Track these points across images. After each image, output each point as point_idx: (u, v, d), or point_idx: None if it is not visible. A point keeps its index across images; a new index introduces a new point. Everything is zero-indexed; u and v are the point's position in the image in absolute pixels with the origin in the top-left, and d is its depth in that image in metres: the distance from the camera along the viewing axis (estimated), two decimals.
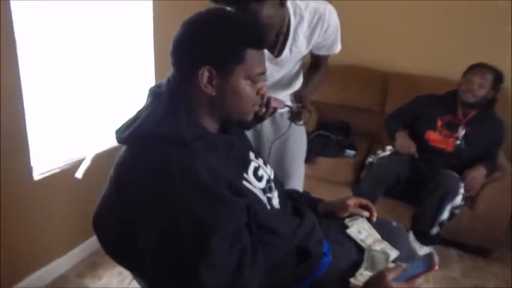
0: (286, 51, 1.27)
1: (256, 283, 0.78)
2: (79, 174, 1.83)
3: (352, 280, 0.95)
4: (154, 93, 0.87)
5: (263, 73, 0.88)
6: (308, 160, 2.35)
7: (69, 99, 1.79)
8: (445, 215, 1.99)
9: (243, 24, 0.84)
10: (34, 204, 1.71)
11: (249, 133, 1.48)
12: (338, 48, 1.36)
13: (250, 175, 0.93)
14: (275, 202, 0.97)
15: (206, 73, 0.81)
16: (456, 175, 2.01)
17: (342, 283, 0.94)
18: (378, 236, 1.12)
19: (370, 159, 2.31)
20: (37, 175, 1.70)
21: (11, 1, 1.42)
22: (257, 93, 0.89)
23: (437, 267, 0.79)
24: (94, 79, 1.88)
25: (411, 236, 2.15)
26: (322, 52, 1.36)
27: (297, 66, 1.43)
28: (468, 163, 2.10)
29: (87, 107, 1.88)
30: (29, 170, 1.66)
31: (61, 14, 1.66)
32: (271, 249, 0.86)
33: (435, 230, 2.04)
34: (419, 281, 0.80)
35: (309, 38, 1.26)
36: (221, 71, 0.82)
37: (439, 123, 2.17)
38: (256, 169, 0.96)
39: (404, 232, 1.19)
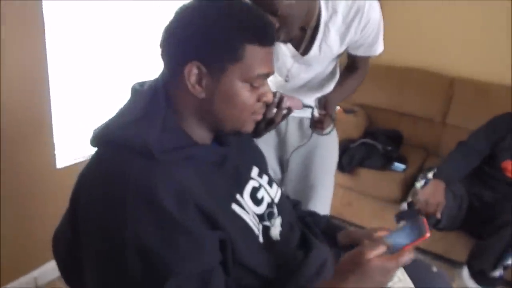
0: (314, 49, 1.09)
1: None
2: None
3: None
4: (135, 91, 0.73)
5: (268, 75, 0.72)
6: (348, 170, 2.14)
7: (96, 89, 1.76)
8: None
9: (245, 14, 0.68)
10: (56, 192, 1.69)
11: (272, 138, 1.32)
12: (379, 48, 1.16)
13: (245, 197, 0.76)
14: (275, 232, 0.79)
15: (195, 70, 0.66)
16: None
17: None
18: (409, 283, 0.90)
19: (419, 184, 1.91)
20: (60, 164, 1.68)
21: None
22: (259, 100, 0.73)
23: (428, 234, 0.67)
24: (119, 68, 1.84)
25: (465, 272, 1.84)
26: (360, 53, 1.16)
27: (331, 66, 1.23)
28: None
29: (112, 98, 1.83)
30: (52, 158, 1.64)
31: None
32: None
33: (497, 273, 1.70)
34: (409, 253, 0.65)
35: (344, 35, 1.08)
36: (213, 69, 0.66)
37: None
38: (255, 190, 0.79)
39: (445, 280, 0.96)
